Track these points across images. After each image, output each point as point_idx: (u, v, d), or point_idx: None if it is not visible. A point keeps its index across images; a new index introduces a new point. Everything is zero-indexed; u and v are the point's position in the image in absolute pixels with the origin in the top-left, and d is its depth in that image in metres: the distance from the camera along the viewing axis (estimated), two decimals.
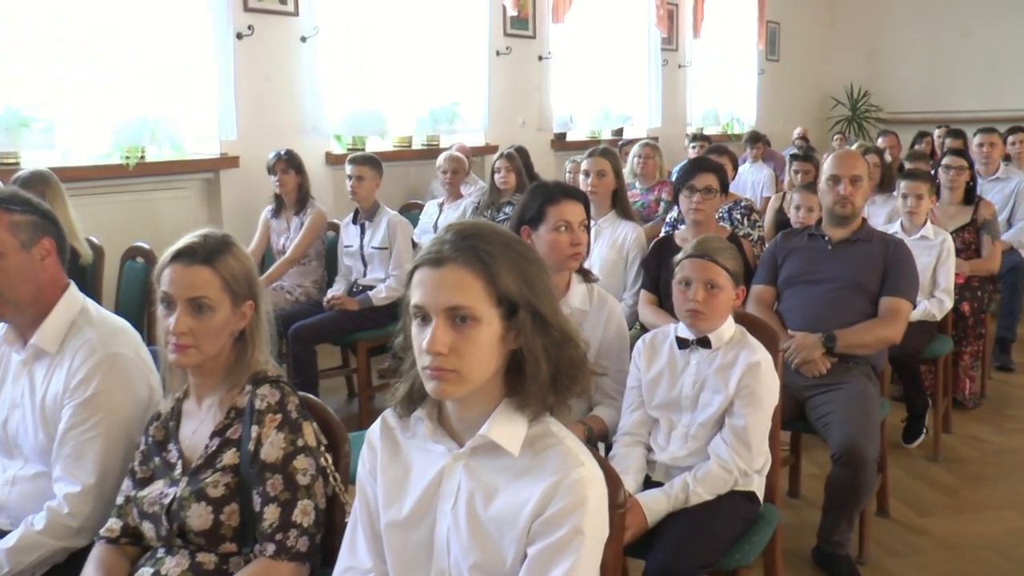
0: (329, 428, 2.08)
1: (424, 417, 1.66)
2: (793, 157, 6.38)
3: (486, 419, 1.58)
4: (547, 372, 1.56)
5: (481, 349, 1.51)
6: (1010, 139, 7.10)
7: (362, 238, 5.05)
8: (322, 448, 2.00)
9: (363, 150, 6.51)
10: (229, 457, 1.95)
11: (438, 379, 1.51)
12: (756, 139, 8.62)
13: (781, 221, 5.45)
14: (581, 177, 4.43)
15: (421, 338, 1.52)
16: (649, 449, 2.64)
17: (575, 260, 2.81)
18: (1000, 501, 4.01)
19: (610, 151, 4.49)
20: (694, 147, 7.67)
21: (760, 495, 2.62)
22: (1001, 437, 4.75)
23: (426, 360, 1.51)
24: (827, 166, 3.69)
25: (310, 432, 1.97)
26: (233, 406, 2.00)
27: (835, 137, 10.66)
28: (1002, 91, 12.59)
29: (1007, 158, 6.91)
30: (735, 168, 6.01)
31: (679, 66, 10.49)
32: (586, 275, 2.91)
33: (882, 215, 5.70)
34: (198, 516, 1.91)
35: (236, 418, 1.99)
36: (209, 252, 1.97)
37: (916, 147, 8.70)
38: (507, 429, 1.57)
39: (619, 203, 4.42)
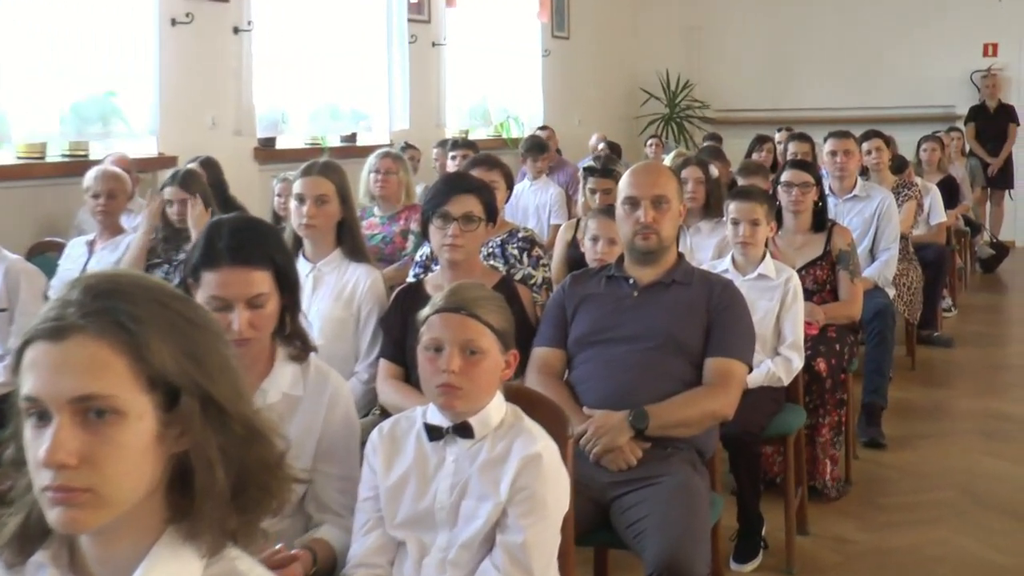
0: None
1: (48, 563, 1.60)
2: (588, 171, 6.57)
3: (141, 560, 1.54)
4: (226, 483, 1.55)
5: (127, 456, 1.49)
6: (865, 146, 7.60)
7: None
8: None
9: None
10: None
11: (65, 504, 1.46)
12: (540, 147, 8.84)
13: (575, 258, 5.62)
14: (293, 203, 4.41)
15: (37, 446, 1.47)
16: None
17: (240, 347, 2.66)
18: None
19: (333, 166, 4.51)
20: (453, 158, 7.79)
21: None
22: (870, 535, 5.02)
23: (46, 478, 1.46)
24: (622, 185, 3.84)
25: None
26: None
27: (649, 142, 11.14)
28: (861, 84, 13.53)
29: (864, 171, 7.40)
30: (510, 187, 6.15)
31: (433, 44, 10.70)
32: (299, 345, 2.89)
33: (709, 247, 5.94)
34: None
35: None
36: None
37: (755, 156, 9.14)
38: (172, 571, 1.54)
39: (347, 238, 4.43)
